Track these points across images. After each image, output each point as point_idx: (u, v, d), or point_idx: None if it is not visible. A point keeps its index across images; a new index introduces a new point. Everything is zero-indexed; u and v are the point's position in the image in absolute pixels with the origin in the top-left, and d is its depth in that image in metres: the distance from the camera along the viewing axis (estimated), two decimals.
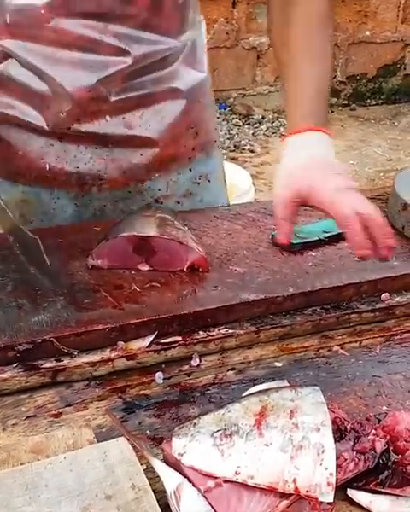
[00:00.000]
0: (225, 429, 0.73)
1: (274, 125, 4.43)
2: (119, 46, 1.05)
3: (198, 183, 1.28)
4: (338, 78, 4.79)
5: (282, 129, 4.40)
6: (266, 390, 0.79)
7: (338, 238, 1.10)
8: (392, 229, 1.15)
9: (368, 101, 4.90)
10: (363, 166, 3.91)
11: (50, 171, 1.15)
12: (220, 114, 4.33)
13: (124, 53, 1.06)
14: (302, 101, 1.01)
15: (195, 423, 0.75)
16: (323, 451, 0.71)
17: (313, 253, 1.08)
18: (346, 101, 4.87)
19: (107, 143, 1.15)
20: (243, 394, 0.83)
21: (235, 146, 4.13)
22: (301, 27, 1.05)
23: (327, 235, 1.12)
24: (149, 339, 0.91)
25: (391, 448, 0.77)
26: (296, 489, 0.69)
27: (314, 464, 0.70)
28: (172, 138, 1.20)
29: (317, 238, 1.11)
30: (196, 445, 0.72)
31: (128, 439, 0.75)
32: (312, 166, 0.93)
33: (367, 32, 4.71)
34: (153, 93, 1.14)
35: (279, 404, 0.75)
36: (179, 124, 1.19)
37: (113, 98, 1.10)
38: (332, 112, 4.76)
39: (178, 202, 1.25)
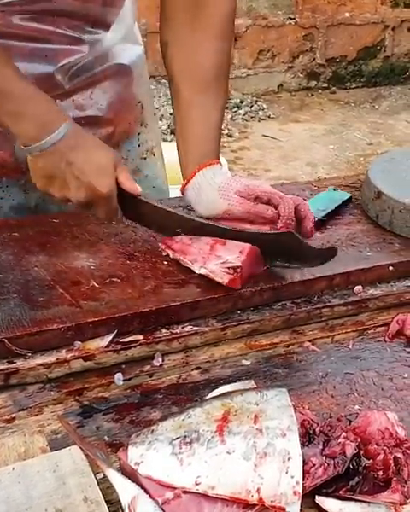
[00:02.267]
0: (185, 436, 0.69)
1: (253, 108, 4.37)
2: (74, 36, 1.04)
3: (145, 159, 1.28)
4: (317, 60, 4.74)
5: (261, 113, 4.35)
6: (230, 393, 0.74)
7: (333, 217, 1.11)
8: (366, 218, 1.12)
9: (348, 84, 4.85)
10: (343, 151, 3.86)
11: None
12: (164, 95, 4.24)
13: (80, 42, 1.05)
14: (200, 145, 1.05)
15: (153, 430, 0.70)
16: (289, 458, 0.67)
17: None
18: (325, 84, 4.82)
19: None
20: (206, 397, 0.78)
21: None
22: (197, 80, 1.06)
23: (324, 214, 1.11)
24: (108, 338, 0.87)
25: (362, 452, 0.73)
26: (260, 499, 0.65)
27: (280, 472, 0.66)
28: (123, 115, 1.19)
29: (316, 219, 1.07)
30: (153, 454, 0.68)
31: (82, 448, 0.70)
32: (228, 180, 1.00)
33: (346, 14, 4.66)
34: (100, 72, 1.12)
35: (243, 407, 0.71)
36: (128, 99, 1.19)
37: (67, 86, 1.08)
38: (312, 95, 4.72)
39: None
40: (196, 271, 0.93)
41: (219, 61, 1.07)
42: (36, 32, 1.02)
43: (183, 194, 1.05)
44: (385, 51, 4.89)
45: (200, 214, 1.02)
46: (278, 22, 4.54)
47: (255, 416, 0.70)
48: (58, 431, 0.78)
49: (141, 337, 0.88)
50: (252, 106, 4.42)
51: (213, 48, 1.06)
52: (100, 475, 0.71)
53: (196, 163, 1.02)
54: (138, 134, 1.25)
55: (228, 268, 0.91)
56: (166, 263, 0.98)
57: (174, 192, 1.18)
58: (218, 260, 0.92)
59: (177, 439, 0.69)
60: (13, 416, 0.80)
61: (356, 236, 1.07)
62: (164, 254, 0.98)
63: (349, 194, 1.15)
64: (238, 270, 0.91)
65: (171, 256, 0.97)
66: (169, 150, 1.26)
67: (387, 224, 1.08)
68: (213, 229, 0.97)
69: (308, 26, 4.63)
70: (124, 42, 1.16)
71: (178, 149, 1.07)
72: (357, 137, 4.05)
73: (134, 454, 0.68)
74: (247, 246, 0.93)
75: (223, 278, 0.91)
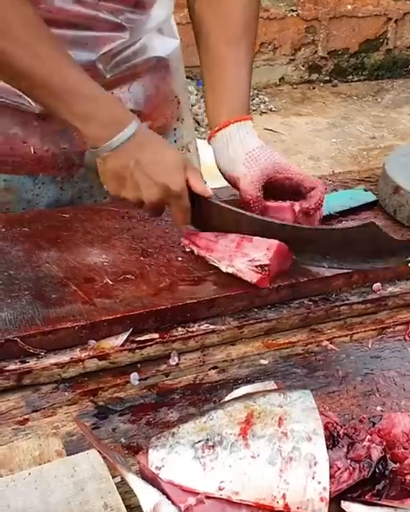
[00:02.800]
0: (208, 440, 0.67)
1: (254, 102, 4.34)
2: (115, 21, 1.03)
3: None
4: (319, 53, 4.71)
5: (262, 106, 4.31)
6: (252, 394, 0.72)
7: (349, 213, 1.08)
8: (383, 213, 1.10)
9: (350, 77, 4.82)
10: (346, 145, 3.83)
11: (35, 155, 1.08)
12: (198, 91, 4.22)
13: (121, 28, 1.04)
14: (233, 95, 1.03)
15: (173, 433, 0.68)
16: (315, 463, 0.65)
17: None
18: (327, 77, 4.79)
19: None
20: (226, 398, 0.76)
21: None
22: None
23: (340, 209, 1.09)
24: (124, 336, 0.84)
25: (388, 455, 0.70)
26: (286, 505, 0.63)
27: (306, 478, 0.64)
28: (160, 109, 1.18)
29: (328, 213, 1.06)
30: (175, 458, 0.66)
31: (100, 452, 0.68)
32: (260, 149, 0.98)
33: (349, 6, 4.63)
34: (139, 64, 1.11)
35: (267, 410, 0.69)
36: (165, 93, 1.18)
37: (108, 75, 1.06)
38: (314, 88, 4.69)
39: None
40: (224, 270, 0.90)
41: (247, 15, 1.05)
42: (77, 18, 0.99)
43: (209, 141, 1.02)
44: (388, 44, 4.85)
45: (218, 166, 1.01)
46: (279, 14, 4.50)
47: (280, 418, 0.68)
48: (73, 432, 0.76)
49: (157, 335, 0.85)
50: (253, 99, 4.38)
51: (241, 2, 1.05)
52: (117, 479, 0.69)
53: (228, 113, 1.00)
54: (175, 129, 1.23)
55: (256, 267, 0.88)
56: (180, 259, 0.95)
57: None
58: (245, 258, 0.89)
59: (199, 442, 0.67)
60: (26, 417, 0.78)
61: None
62: (188, 250, 0.96)
63: (375, 198, 1.12)
64: (267, 268, 0.88)
65: (195, 253, 0.95)
66: (202, 148, 1.25)
67: (405, 219, 1.05)
68: (285, 228, 0.92)
69: (310, 19, 4.59)
70: (162, 34, 1.14)
71: (206, 101, 1.06)
72: (360, 131, 4.02)
73: (155, 458, 0.66)
74: (275, 242, 0.90)
75: (251, 277, 0.89)
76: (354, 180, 1.19)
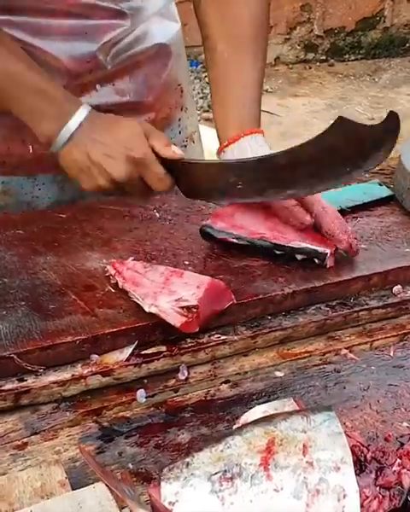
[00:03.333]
0: (226, 471, 0.61)
1: None
2: (115, 9, 0.97)
3: (185, 146, 1.20)
4: (315, 32, 4.60)
5: None
6: (272, 417, 0.66)
7: (362, 209, 1.02)
8: (400, 208, 1.03)
9: (347, 56, 4.71)
10: None
11: (33, 155, 1.02)
12: (192, 72, 4.13)
13: (121, 15, 0.98)
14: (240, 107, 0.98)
15: (188, 463, 0.62)
16: (344, 496, 0.59)
17: None
18: (324, 57, 4.68)
19: None
20: (242, 417, 0.70)
21: (209, 106, 3.94)
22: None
23: (352, 204, 1.02)
24: (128, 350, 0.78)
25: None
26: None
27: None
28: (164, 99, 1.12)
29: (339, 208, 0.99)
30: (190, 492, 0.60)
31: (107, 485, 0.62)
32: None
33: None
34: (140, 52, 1.05)
35: (289, 436, 0.63)
36: (168, 81, 1.12)
37: (109, 66, 1.00)
38: (310, 68, 4.58)
39: None
40: (146, 310, 0.78)
41: (257, 19, 0.99)
42: (75, 7, 0.93)
43: (219, 155, 0.97)
44: (385, 22, 4.74)
45: None
46: None
47: (304, 445, 0.62)
48: (76, 458, 0.71)
49: (164, 348, 0.79)
50: None
51: (250, 4, 0.99)
52: (125, 510, 0.63)
53: (238, 126, 0.95)
54: (179, 119, 1.18)
55: (182, 308, 0.77)
56: (187, 263, 0.89)
57: None
58: (171, 297, 0.78)
59: (216, 474, 0.61)
60: (25, 440, 0.72)
61: (391, 230, 0.98)
62: (113, 282, 0.84)
63: (392, 193, 1.05)
64: (194, 310, 0.77)
65: (120, 286, 0.83)
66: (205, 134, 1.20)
67: None
68: (264, 161, 0.85)
69: None
70: (162, 18, 1.08)
71: (214, 112, 1.00)
72: (358, 112, 3.93)
73: (168, 492, 0.60)
74: (207, 279, 0.80)
75: (175, 320, 0.77)
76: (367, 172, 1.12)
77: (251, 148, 0.93)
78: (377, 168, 1.13)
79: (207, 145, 1.31)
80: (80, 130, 0.87)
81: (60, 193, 1.07)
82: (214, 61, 0.99)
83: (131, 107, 1.06)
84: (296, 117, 3.88)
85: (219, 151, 0.96)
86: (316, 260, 0.88)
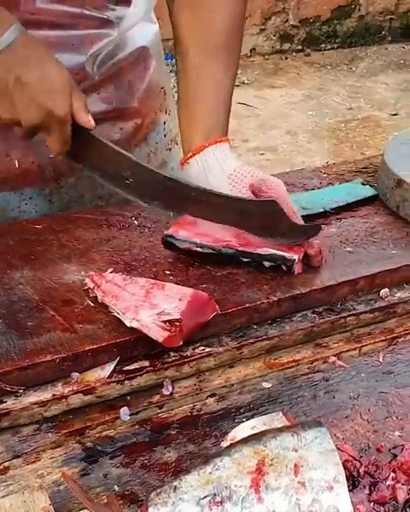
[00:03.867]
0: (215, 495, 0.59)
1: None
2: (102, 17, 0.94)
3: (170, 150, 1.18)
4: (290, 21, 4.57)
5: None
6: (261, 435, 0.63)
7: (346, 210, 1.00)
8: (384, 208, 1.02)
9: (323, 45, 4.69)
10: (323, 117, 3.73)
11: (19, 169, 0.98)
12: (167, 66, 4.07)
13: (108, 24, 0.96)
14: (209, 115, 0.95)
15: (175, 487, 0.60)
16: None
17: None
18: (300, 47, 4.66)
19: None
20: (230, 433, 0.68)
21: None
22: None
23: (335, 205, 1.00)
24: (110, 367, 0.75)
25: None
26: None
27: None
28: (149, 103, 1.10)
29: (322, 210, 0.98)
30: None
31: None
32: (242, 167, 0.90)
33: None
34: (123, 58, 1.02)
35: (280, 455, 0.61)
36: (151, 85, 1.10)
37: (96, 77, 0.98)
38: (286, 58, 4.56)
39: None
40: (128, 324, 0.75)
41: (231, 24, 0.96)
42: (61, 17, 0.90)
43: (182, 166, 0.93)
44: (360, 10, 4.73)
45: None
46: None
47: (295, 465, 0.60)
48: (60, 482, 0.68)
49: (147, 363, 0.77)
50: None
51: (225, 9, 0.95)
52: None
53: (203, 135, 0.91)
54: (164, 123, 1.15)
55: (164, 322, 0.74)
56: (168, 273, 0.86)
57: None
58: (153, 311, 0.75)
59: (205, 497, 0.59)
60: (6, 465, 0.70)
61: (376, 231, 0.96)
62: (92, 295, 0.81)
63: (376, 192, 1.03)
64: (178, 324, 0.74)
65: (99, 300, 0.79)
66: None
67: None
68: (177, 185, 0.84)
69: None
70: (142, 21, 1.05)
71: (180, 119, 0.96)
72: (336, 102, 3.92)
73: None
74: (189, 291, 0.78)
75: (157, 335, 0.74)
76: (350, 172, 1.10)
77: (216, 158, 0.90)
78: (359, 166, 1.12)
79: None
80: (10, 49, 0.78)
81: (47, 206, 1.03)
82: (185, 67, 0.96)
83: (118, 115, 1.04)
84: (274, 109, 3.86)
85: (183, 162, 0.93)
86: (283, 267, 0.86)
